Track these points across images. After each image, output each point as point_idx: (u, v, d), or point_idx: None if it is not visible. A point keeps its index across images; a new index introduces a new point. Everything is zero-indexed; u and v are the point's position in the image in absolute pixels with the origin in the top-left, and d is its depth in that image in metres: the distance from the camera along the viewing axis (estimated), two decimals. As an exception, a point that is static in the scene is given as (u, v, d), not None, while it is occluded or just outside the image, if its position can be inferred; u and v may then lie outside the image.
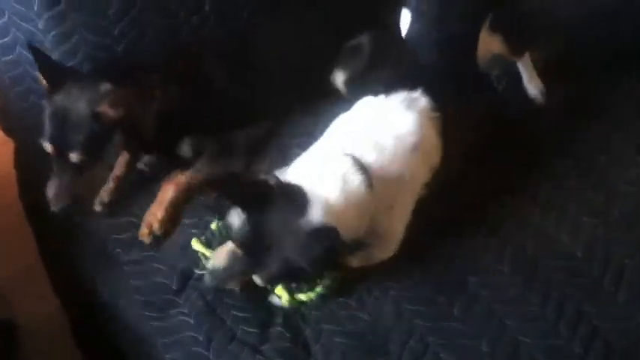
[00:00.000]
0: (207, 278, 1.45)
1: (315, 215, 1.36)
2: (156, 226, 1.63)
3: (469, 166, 1.61)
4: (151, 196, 1.69)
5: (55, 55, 1.68)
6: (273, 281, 1.43)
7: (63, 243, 1.79)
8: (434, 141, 1.52)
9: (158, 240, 1.62)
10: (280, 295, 1.46)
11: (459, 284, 1.48)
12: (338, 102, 1.78)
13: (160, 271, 1.57)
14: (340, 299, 1.48)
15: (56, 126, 1.57)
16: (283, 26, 1.84)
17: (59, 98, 1.58)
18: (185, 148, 1.75)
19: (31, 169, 1.92)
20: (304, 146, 1.57)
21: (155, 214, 1.64)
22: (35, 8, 1.67)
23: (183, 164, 1.74)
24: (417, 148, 1.49)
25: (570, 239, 1.54)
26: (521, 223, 1.59)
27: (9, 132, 1.94)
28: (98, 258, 1.67)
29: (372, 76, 1.72)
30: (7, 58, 1.75)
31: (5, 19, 1.70)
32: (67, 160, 1.57)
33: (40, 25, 1.69)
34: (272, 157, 1.75)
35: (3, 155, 2.02)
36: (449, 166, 1.54)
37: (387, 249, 1.51)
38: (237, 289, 1.48)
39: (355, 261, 1.50)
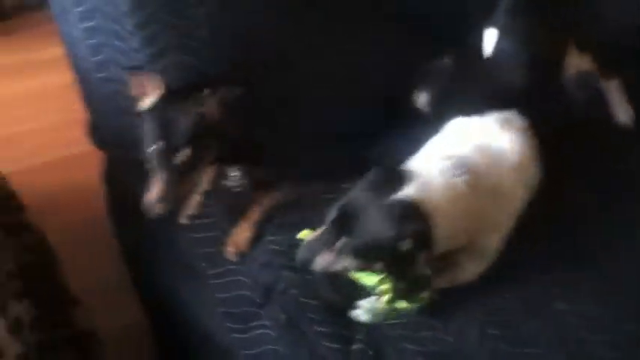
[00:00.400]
0: (299, 252, 1.47)
1: (409, 192, 1.37)
2: (243, 244, 1.65)
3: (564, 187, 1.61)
4: (237, 213, 1.72)
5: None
6: (358, 254, 1.41)
7: (148, 255, 1.83)
8: (531, 161, 1.53)
9: (243, 257, 1.64)
10: (384, 290, 1.45)
11: (548, 309, 1.46)
12: (420, 122, 1.80)
13: (244, 285, 1.59)
14: (423, 319, 1.47)
15: (163, 127, 1.61)
16: (367, 44, 1.86)
17: (164, 103, 1.64)
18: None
19: (118, 182, 1.98)
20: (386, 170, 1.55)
21: (243, 233, 1.66)
22: (129, 27, 1.74)
23: (267, 185, 1.77)
24: (514, 167, 1.49)
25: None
26: (623, 250, 1.56)
27: (101, 146, 2.00)
28: (183, 271, 1.70)
29: (457, 96, 1.73)
30: (101, 75, 1.81)
31: (100, 37, 1.77)
32: (170, 161, 1.60)
33: (134, 45, 1.76)
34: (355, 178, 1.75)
35: (92, 168, 2.09)
36: (546, 187, 1.54)
37: (478, 265, 1.50)
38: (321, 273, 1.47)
39: (442, 281, 1.49)
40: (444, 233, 1.40)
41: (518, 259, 1.53)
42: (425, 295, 1.46)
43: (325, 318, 1.49)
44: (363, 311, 1.48)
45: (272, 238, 1.66)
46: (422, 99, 1.85)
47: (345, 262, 1.43)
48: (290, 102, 1.78)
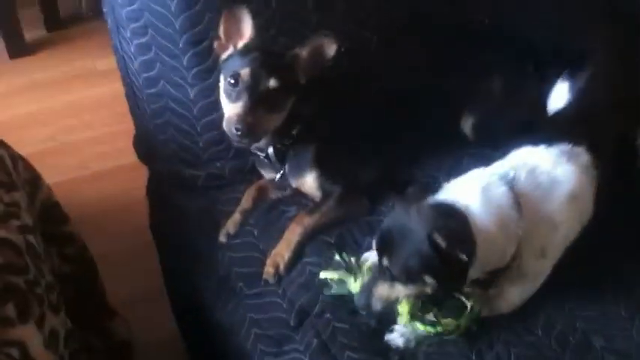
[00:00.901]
0: (357, 298, 1.47)
1: (446, 197, 1.41)
2: (282, 266, 1.64)
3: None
4: (275, 233, 1.72)
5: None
6: (405, 275, 1.40)
7: (187, 271, 1.84)
8: (588, 200, 1.52)
9: (281, 278, 1.64)
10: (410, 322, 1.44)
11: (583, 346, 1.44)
12: (464, 146, 1.80)
13: (279, 307, 1.59)
14: (457, 348, 1.44)
15: (255, 59, 1.64)
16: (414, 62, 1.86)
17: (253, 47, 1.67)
18: (312, 185, 1.76)
19: (161, 196, 2.00)
20: (427, 189, 1.55)
21: (282, 254, 1.66)
22: (180, 45, 1.77)
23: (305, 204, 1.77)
24: (572, 199, 1.49)
25: None
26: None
27: (146, 160, 2.03)
28: (220, 289, 1.70)
29: (505, 122, 1.74)
30: (151, 90, 1.85)
31: (152, 54, 1.81)
32: (256, 87, 1.62)
33: (185, 62, 1.79)
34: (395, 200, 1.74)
35: (137, 180, 2.12)
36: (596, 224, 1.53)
37: (522, 291, 1.48)
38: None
39: (485, 308, 1.47)
40: (484, 243, 1.38)
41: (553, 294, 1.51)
42: (462, 321, 1.44)
43: (358, 344, 1.47)
44: (398, 334, 1.47)
45: (310, 259, 1.65)
46: (467, 122, 1.84)
47: (398, 290, 1.42)
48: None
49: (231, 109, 1.64)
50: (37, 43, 3.85)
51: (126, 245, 2.47)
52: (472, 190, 1.44)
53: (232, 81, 1.63)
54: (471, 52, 1.87)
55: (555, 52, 1.87)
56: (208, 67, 1.78)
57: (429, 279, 1.38)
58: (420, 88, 1.81)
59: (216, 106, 1.80)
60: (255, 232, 1.76)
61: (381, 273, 1.43)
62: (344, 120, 1.76)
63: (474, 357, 1.43)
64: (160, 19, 1.75)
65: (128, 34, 1.81)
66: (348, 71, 1.82)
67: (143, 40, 1.79)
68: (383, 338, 1.48)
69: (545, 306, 1.50)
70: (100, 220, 2.58)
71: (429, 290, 1.41)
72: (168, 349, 2.19)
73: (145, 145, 2.00)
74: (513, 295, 1.49)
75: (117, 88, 2.03)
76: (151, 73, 1.83)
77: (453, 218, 1.39)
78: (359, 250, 1.63)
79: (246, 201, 1.81)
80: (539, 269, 1.49)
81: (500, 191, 1.44)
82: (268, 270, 1.65)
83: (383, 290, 1.43)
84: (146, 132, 1.94)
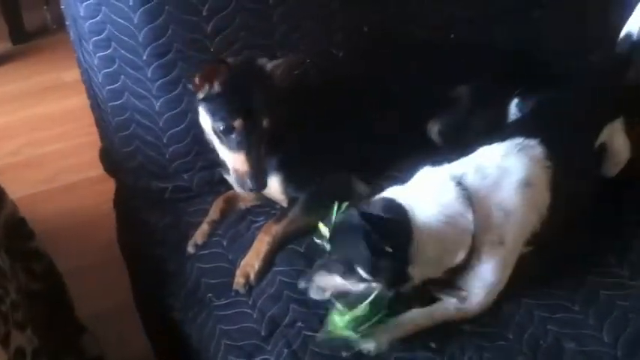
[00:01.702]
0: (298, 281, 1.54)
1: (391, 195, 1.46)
2: (252, 276, 1.64)
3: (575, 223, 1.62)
4: (244, 243, 1.72)
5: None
6: (342, 266, 1.43)
7: (156, 284, 1.82)
8: (543, 189, 1.54)
9: (251, 288, 1.63)
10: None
11: (555, 349, 1.45)
12: (431, 151, 1.82)
13: (249, 317, 1.58)
14: (430, 350, 1.45)
15: (241, 102, 1.64)
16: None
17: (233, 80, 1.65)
18: (277, 189, 1.76)
19: (129, 209, 1.98)
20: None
21: (252, 264, 1.65)
22: (144, 57, 1.76)
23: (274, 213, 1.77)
24: (523, 186, 1.51)
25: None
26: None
27: (112, 173, 2.01)
28: (189, 301, 1.69)
29: (470, 128, 1.79)
30: (115, 103, 1.84)
31: (115, 66, 1.80)
32: (253, 134, 1.64)
33: (149, 74, 1.78)
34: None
35: (105, 194, 2.10)
36: (556, 220, 1.55)
37: (489, 286, 1.50)
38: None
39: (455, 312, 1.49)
40: (430, 239, 1.41)
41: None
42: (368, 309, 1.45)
43: (329, 352, 1.46)
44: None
45: (280, 269, 1.65)
46: (433, 128, 1.87)
47: (335, 282, 1.45)
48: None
49: (233, 159, 1.66)
50: (3, 56, 3.82)
51: (95, 260, 2.45)
52: (419, 188, 1.49)
53: (222, 127, 1.64)
54: (438, 64, 1.90)
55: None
56: (173, 78, 1.78)
57: (363, 273, 1.41)
58: (387, 97, 1.83)
59: (183, 118, 1.80)
60: (224, 243, 1.75)
61: (324, 263, 1.47)
62: (309, 126, 1.77)
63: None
64: (122, 31, 1.74)
65: (91, 47, 1.79)
66: (314, 80, 1.83)
67: (106, 52, 1.78)
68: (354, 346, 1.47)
69: (516, 311, 1.51)
70: (67, 235, 2.55)
71: (362, 287, 1.43)
72: (141, 363, 2.17)
73: (110, 158, 1.99)
74: (480, 290, 1.50)
75: (84, 99, 2.01)
76: (115, 86, 1.82)
77: (392, 214, 1.42)
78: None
79: (214, 212, 1.81)
80: (499, 257, 1.50)
81: (449, 188, 1.48)
82: (239, 280, 1.64)
83: (321, 280, 1.47)
84: (112, 144, 1.93)
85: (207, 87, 1.65)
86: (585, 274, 1.58)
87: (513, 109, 1.84)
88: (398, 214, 1.43)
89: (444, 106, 1.88)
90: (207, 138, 1.73)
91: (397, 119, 1.84)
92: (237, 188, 1.78)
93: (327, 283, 1.47)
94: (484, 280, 1.50)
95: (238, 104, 1.64)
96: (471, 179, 1.51)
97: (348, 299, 1.45)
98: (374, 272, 1.41)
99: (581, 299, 1.53)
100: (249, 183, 1.65)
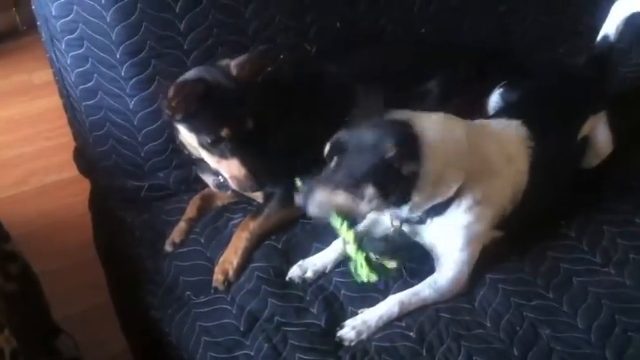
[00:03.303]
0: (297, 197, 1.51)
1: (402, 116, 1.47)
2: (231, 273, 1.64)
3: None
4: (221, 240, 1.72)
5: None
6: (349, 179, 1.43)
7: (133, 284, 1.81)
8: (522, 165, 1.59)
9: (230, 284, 1.64)
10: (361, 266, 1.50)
11: (531, 336, 1.48)
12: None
13: (228, 313, 1.58)
14: (409, 339, 1.47)
15: (222, 107, 1.63)
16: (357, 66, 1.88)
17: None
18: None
19: (104, 209, 1.97)
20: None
21: (230, 261, 1.66)
22: (118, 56, 1.76)
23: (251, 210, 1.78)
24: (507, 159, 1.57)
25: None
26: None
27: (87, 173, 2.00)
28: (167, 300, 1.69)
29: None
30: (89, 102, 1.83)
31: (88, 65, 1.79)
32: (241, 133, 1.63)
33: (123, 73, 1.77)
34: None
35: (80, 194, 2.09)
36: (530, 201, 1.59)
37: (454, 271, 1.55)
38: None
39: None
40: (433, 166, 1.43)
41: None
42: (394, 265, 1.52)
43: (309, 345, 1.48)
44: (349, 328, 1.49)
45: (258, 264, 1.66)
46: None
47: (338, 198, 1.45)
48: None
49: (228, 167, 1.66)
50: (-28, 59, 3.77)
51: (71, 261, 2.43)
52: (432, 116, 1.50)
53: (210, 140, 1.63)
54: (409, 59, 1.93)
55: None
56: (147, 76, 1.78)
57: (370, 189, 1.42)
58: (359, 91, 1.84)
59: (157, 116, 1.79)
60: (202, 240, 1.76)
61: (324, 178, 1.46)
62: (283, 121, 1.77)
63: (424, 352, 1.45)
64: (95, 30, 1.74)
65: (63, 47, 1.78)
66: (287, 75, 1.84)
67: (79, 51, 1.77)
68: (334, 337, 1.49)
69: (492, 299, 1.54)
70: (43, 236, 2.53)
71: (366, 206, 1.45)
72: (119, 364, 2.15)
73: (85, 158, 1.97)
74: (449, 266, 1.55)
75: (55, 101, 2.00)
76: (88, 85, 1.81)
77: (405, 134, 1.43)
78: (305, 255, 1.66)
79: (191, 210, 1.81)
80: (473, 219, 1.53)
81: (458, 124, 1.51)
82: (217, 277, 1.65)
83: (323, 195, 1.45)
84: (86, 144, 1.92)
85: (184, 108, 1.62)
86: (558, 261, 1.62)
87: (496, 99, 1.86)
88: (411, 135, 1.44)
89: (414, 100, 1.89)
90: (188, 150, 1.73)
91: (370, 115, 1.84)
92: (212, 187, 1.78)
93: (329, 198, 1.45)
94: (452, 256, 1.55)
95: (220, 114, 1.63)
96: (475, 128, 1.56)
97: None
98: (385, 189, 1.43)
99: (556, 286, 1.56)
100: (251, 185, 1.66)
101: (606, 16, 1.93)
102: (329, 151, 1.47)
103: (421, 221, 1.55)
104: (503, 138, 1.60)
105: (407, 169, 1.41)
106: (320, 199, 1.45)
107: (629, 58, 2.28)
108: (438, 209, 1.51)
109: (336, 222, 1.50)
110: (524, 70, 1.92)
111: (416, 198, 1.47)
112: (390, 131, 1.43)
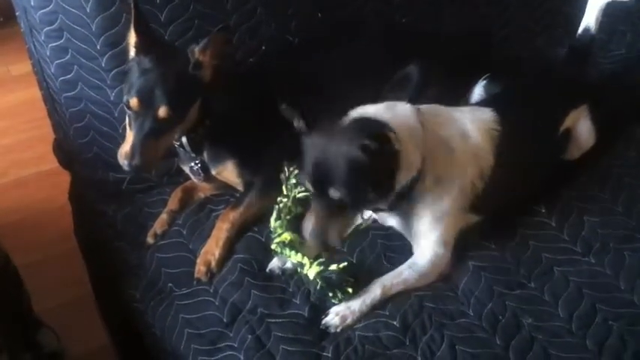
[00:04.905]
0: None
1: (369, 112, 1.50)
2: (213, 264, 1.64)
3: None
4: (204, 232, 1.72)
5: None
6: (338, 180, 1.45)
7: (114, 277, 1.81)
8: (486, 146, 1.62)
9: (213, 276, 1.63)
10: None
11: (513, 325, 1.49)
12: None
13: (211, 305, 1.58)
14: (393, 328, 1.48)
15: (146, 82, 1.58)
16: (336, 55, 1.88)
17: (151, 57, 1.60)
18: (232, 172, 1.77)
19: (85, 202, 1.96)
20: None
21: (212, 252, 1.65)
22: (98, 47, 1.74)
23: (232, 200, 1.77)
24: (466, 138, 1.60)
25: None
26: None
27: (67, 165, 1.98)
28: (149, 292, 1.68)
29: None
30: (69, 94, 1.81)
31: (68, 57, 1.77)
32: (148, 118, 1.58)
33: (103, 64, 1.76)
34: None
35: (59, 186, 2.07)
36: (500, 185, 1.62)
37: (430, 251, 1.57)
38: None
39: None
40: (401, 143, 1.46)
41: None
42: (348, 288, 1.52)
43: (293, 336, 1.49)
44: (334, 315, 1.50)
45: (241, 256, 1.66)
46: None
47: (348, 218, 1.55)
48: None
49: (126, 137, 1.61)
50: (-53, 51, 3.71)
51: (51, 253, 2.41)
52: (378, 107, 1.53)
53: (125, 100, 1.59)
54: (389, 47, 1.93)
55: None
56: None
57: (370, 195, 1.48)
58: (337, 77, 1.83)
59: (139, 107, 1.78)
60: (184, 232, 1.75)
61: (320, 212, 1.49)
62: (263, 111, 1.74)
63: (407, 342, 1.46)
64: (75, 21, 1.72)
65: (42, 38, 1.77)
66: (266, 64, 1.84)
67: (58, 43, 1.76)
68: (318, 326, 1.50)
69: (475, 288, 1.55)
70: (23, 229, 2.50)
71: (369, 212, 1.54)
72: (100, 358, 2.14)
73: (65, 150, 1.96)
74: (425, 246, 1.57)
75: (33, 92, 1.98)
76: (68, 76, 1.79)
77: (375, 125, 1.46)
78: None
79: (173, 202, 1.80)
80: (437, 196, 1.56)
81: (405, 108, 1.54)
82: (200, 269, 1.64)
83: (333, 235, 1.50)
84: (66, 136, 1.90)
85: (132, 51, 1.61)
86: (540, 250, 1.63)
87: (480, 91, 1.88)
88: (379, 125, 1.47)
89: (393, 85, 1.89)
90: None
91: (349, 103, 1.84)
92: (194, 178, 1.77)
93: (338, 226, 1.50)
94: (426, 236, 1.58)
95: (140, 83, 1.58)
96: (425, 111, 1.58)
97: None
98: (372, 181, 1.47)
99: (537, 276, 1.58)
100: (125, 162, 1.59)
101: (585, 7, 1.94)
102: (313, 176, 1.49)
103: (391, 207, 1.57)
104: (463, 119, 1.63)
105: (388, 160, 1.45)
106: (332, 237, 1.50)
107: (609, 49, 2.30)
108: (405, 191, 1.54)
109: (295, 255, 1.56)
110: (508, 64, 1.93)
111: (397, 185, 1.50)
112: (362, 128, 1.46)
